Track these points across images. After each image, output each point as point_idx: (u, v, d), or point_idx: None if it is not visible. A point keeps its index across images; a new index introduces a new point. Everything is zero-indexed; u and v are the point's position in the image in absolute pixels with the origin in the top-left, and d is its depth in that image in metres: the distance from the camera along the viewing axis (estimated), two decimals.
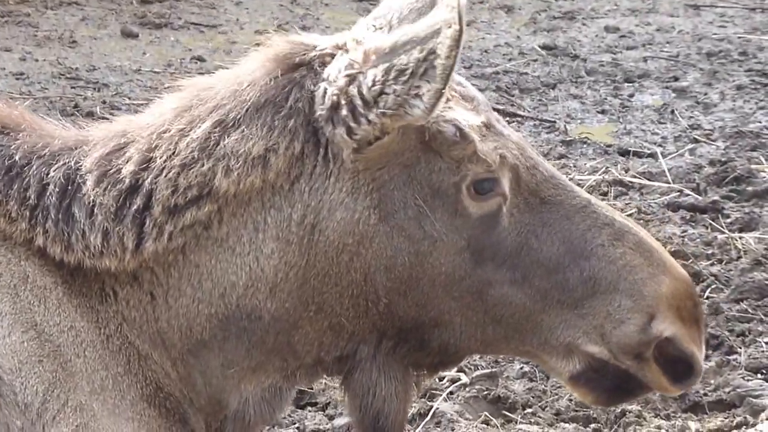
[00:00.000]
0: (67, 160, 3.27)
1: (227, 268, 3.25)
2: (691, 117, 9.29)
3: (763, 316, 6.13)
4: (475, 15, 11.20)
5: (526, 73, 10.15)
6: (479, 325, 3.34)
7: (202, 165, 3.22)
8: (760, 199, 7.53)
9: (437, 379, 5.49)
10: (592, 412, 5.36)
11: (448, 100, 3.27)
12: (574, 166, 8.11)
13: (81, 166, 3.26)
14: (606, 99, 9.71)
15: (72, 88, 9.27)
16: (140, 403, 3.22)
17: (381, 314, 3.30)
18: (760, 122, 9.13)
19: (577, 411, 5.40)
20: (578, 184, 7.44)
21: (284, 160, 3.23)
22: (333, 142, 3.24)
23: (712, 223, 7.18)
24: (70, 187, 3.24)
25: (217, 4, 11.42)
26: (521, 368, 5.66)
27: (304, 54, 3.29)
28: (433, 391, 5.47)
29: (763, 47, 10.80)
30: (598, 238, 3.31)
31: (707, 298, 6.28)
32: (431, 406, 5.36)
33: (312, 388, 5.42)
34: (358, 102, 3.19)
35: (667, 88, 9.91)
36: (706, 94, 9.75)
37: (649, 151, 8.54)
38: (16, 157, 3.26)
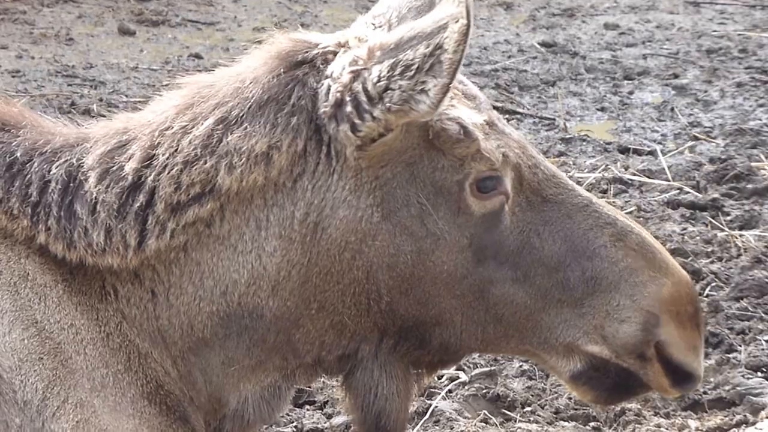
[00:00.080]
0: (68, 158, 3.26)
1: (229, 266, 3.25)
2: (691, 114, 9.29)
3: (763, 314, 6.12)
4: (474, 12, 11.17)
5: (526, 71, 10.14)
6: (480, 324, 3.34)
7: (205, 162, 3.22)
8: (760, 197, 7.53)
9: (436, 377, 5.48)
10: (591, 410, 5.35)
11: (451, 98, 3.27)
12: (574, 164, 8.10)
13: (83, 163, 3.25)
14: (605, 96, 9.70)
15: (69, 85, 9.27)
16: (141, 400, 3.22)
17: (383, 312, 3.30)
18: (760, 120, 9.13)
19: (576, 409, 5.38)
20: (578, 182, 7.40)
21: (287, 158, 3.23)
22: (336, 139, 3.23)
23: (712, 220, 7.17)
24: (72, 185, 3.24)
25: (215, 1, 11.41)
26: (520, 366, 5.65)
27: (307, 52, 3.29)
28: (432, 390, 5.46)
29: (763, 44, 10.80)
30: (600, 238, 3.32)
31: (707, 296, 6.28)
32: (430, 405, 5.35)
33: (310, 387, 5.40)
34: (363, 98, 3.19)
35: (666, 85, 9.91)
36: (706, 91, 9.74)
37: (648, 149, 8.53)
38: (18, 154, 3.25)
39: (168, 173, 3.22)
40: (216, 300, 3.26)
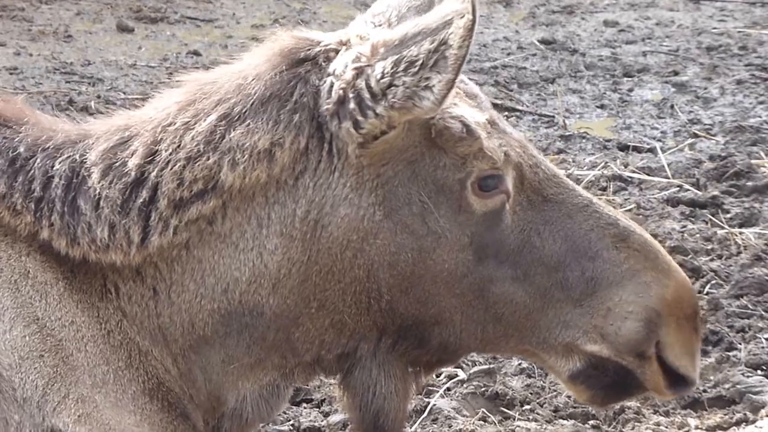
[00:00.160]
0: (71, 153, 3.26)
1: (230, 264, 3.25)
2: (691, 112, 9.28)
3: (763, 312, 6.11)
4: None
5: (525, 68, 10.14)
6: (479, 323, 3.35)
7: (208, 158, 3.22)
8: (760, 194, 7.52)
9: (434, 375, 5.46)
10: (590, 409, 5.33)
11: (453, 96, 3.27)
12: (573, 161, 8.10)
13: (86, 159, 3.25)
14: (605, 94, 9.70)
15: (67, 82, 9.26)
16: (142, 397, 3.23)
17: (382, 311, 3.30)
18: (760, 117, 9.12)
19: (575, 408, 5.38)
20: (577, 179, 7.43)
21: (289, 155, 3.23)
22: (338, 137, 3.24)
23: (712, 218, 7.16)
24: (75, 180, 3.24)
25: None
26: (519, 364, 5.64)
27: (309, 49, 3.29)
28: (431, 388, 5.46)
29: (763, 41, 10.79)
30: (603, 239, 3.33)
31: (707, 293, 6.27)
32: (428, 403, 5.34)
33: (307, 385, 5.38)
34: (366, 95, 3.19)
35: (666, 82, 9.90)
36: (705, 88, 9.73)
37: (648, 146, 8.52)
38: (21, 150, 3.26)
39: (171, 169, 3.23)
40: (217, 298, 3.26)
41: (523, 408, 5.37)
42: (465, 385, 5.50)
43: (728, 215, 7.20)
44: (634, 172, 7.89)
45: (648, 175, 7.86)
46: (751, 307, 6.16)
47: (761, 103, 9.44)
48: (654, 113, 9.28)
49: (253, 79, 3.27)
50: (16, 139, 3.27)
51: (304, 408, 5.38)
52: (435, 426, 5.25)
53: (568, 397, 5.40)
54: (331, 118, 3.23)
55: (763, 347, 5.83)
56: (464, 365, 5.61)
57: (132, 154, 3.25)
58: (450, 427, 5.23)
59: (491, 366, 5.62)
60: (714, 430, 5.28)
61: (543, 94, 9.64)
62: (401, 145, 3.26)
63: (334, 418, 5.25)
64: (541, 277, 3.32)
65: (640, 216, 7.09)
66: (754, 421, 5.27)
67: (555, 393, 5.46)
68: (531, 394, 5.46)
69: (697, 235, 6.92)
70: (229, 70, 3.36)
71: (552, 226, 3.33)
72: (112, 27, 10.49)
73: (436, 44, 3.14)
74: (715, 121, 9.06)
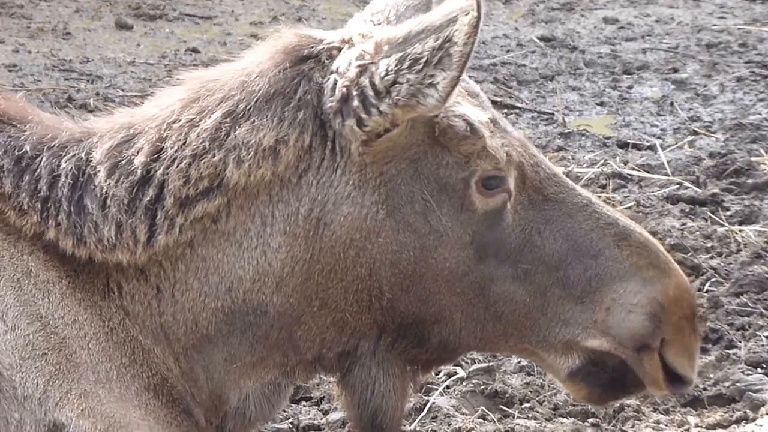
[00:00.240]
0: (76, 152, 3.26)
1: (234, 262, 3.26)
2: (691, 109, 9.27)
3: (763, 310, 6.11)
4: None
5: (524, 65, 10.12)
6: (479, 322, 3.36)
7: (214, 156, 3.23)
8: (760, 192, 7.52)
9: (434, 373, 5.45)
10: (590, 407, 5.32)
11: (456, 95, 3.27)
12: (573, 159, 8.09)
13: (91, 157, 3.25)
14: (605, 91, 9.69)
15: (65, 80, 9.25)
16: (146, 392, 3.24)
17: (383, 309, 3.31)
18: (760, 114, 9.11)
19: (575, 406, 5.37)
20: (577, 177, 7.42)
21: (294, 152, 3.24)
22: (341, 135, 3.25)
23: (712, 216, 7.15)
24: (81, 179, 3.24)
25: None
26: (519, 362, 5.64)
27: (312, 47, 3.30)
28: (430, 386, 5.45)
29: (763, 38, 10.78)
30: (604, 238, 3.35)
31: (707, 291, 6.27)
32: (427, 401, 5.34)
33: (306, 383, 5.37)
34: (370, 92, 3.20)
35: (666, 79, 9.89)
36: (705, 86, 9.72)
37: (648, 144, 8.52)
38: (27, 149, 3.25)
39: (177, 167, 3.23)
40: (221, 296, 3.27)
41: (523, 406, 5.37)
42: (464, 383, 5.49)
43: (728, 213, 7.19)
44: (633, 169, 7.88)
45: (647, 172, 7.85)
46: (751, 304, 6.16)
47: (761, 100, 9.44)
48: (654, 110, 9.27)
49: (257, 77, 3.27)
50: (22, 138, 3.27)
51: (304, 406, 5.38)
52: (434, 424, 5.25)
53: (568, 395, 5.39)
54: (334, 115, 3.24)
55: (763, 345, 5.82)
56: (463, 363, 5.61)
57: (137, 152, 3.24)
58: (449, 425, 5.22)
59: (490, 364, 5.61)
60: (714, 428, 5.27)
61: (542, 92, 9.63)
62: (404, 144, 3.27)
63: (333, 416, 5.25)
64: (542, 275, 3.34)
65: (640, 213, 7.09)
66: (754, 419, 5.27)
67: (554, 391, 5.45)
68: (530, 392, 5.46)
69: (697, 233, 6.92)
70: (231, 68, 3.36)
71: (552, 225, 3.34)
72: (110, 24, 10.47)
73: (441, 41, 3.14)
74: (715, 119, 9.05)
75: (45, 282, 3.19)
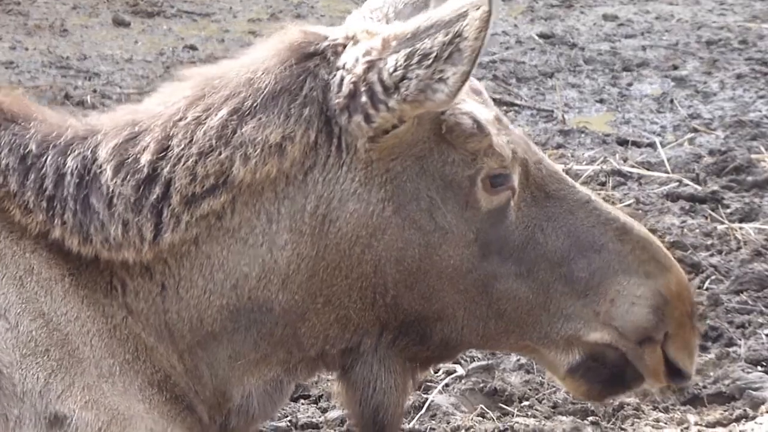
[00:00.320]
0: (81, 150, 3.26)
1: (239, 260, 3.26)
2: (691, 106, 9.27)
3: (763, 308, 6.10)
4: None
5: (524, 62, 10.13)
6: (482, 319, 3.37)
7: (220, 153, 3.23)
8: (760, 189, 7.52)
9: (432, 371, 5.45)
10: (589, 405, 5.32)
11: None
12: (572, 156, 8.09)
13: (97, 155, 3.25)
14: (604, 88, 9.69)
15: (63, 77, 9.25)
16: (149, 388, 3.24)
17: (387, 306, 3.32)
18: (760, 111, 9.12)
19: (574, 404, 5.37)
20: (576, 174, 7.41)
21: (300, 149, 3.24)
22: (347, 131, 3.25)
23: (712, 213, 7.15)
24: (87, 177, 3.24)
25: None
26: (518, 360, 5.64)
27: (318, 44, 3.31)
28: (429, 384, 5.45)
29: (763, 35, 10.78)
30: (606, 233, 3.37)
31: (707, 289, 6.27)
32: (426, 399, 5.34)
33: (307, 381, 5.36)
34: (378, 88, 3.21)
35: (666, 77, 9.89)
36: (705, 83, 9.72)
37: (647, 141, 8.52)
38: (32, 147, 3.25)
39: (183, 164, 3.23)
40: (226, 293, 3.27)
41: (522, 404, 5.37)
42: (463, 381, 5.49)
43: (728, 210, 7.19)
44: (633, 166, 7.87)
45: (647, 169, 7.84)
46: (751, 302, 6.15)
47: (761, 97, 9.44)
48: (653, 108, 9.27)
49: (262, 74, 3.27)
50: (27, 136, 3.26)
51: (302, 404, 5.38)
52: (433, 422, 5.24)
53: (567, 393, 5.38)
54: (341, 112, 3.24)
55: (763, 343, 5.82)
56: (462, 361, 5.60)
57: (143, 150, 3.24)
58: (448, 423, 5.22)
59: (490, 362, 5.61)
60: (714, 426, 5.27)
61: (542, 89, 9.63)
62: (410, 140, 3.28)
63: (332, 415, 5.25)
64: (545, 272, 3.35)
65: (640, 211, 7.08)
66: (753, 418, 5.27)
67: (553, 389, 5.45)
68: (529, 390, 5.45)
69: (697, 231, 6.91)
70: (235, 65, 3.36)
71: (555, 222, 3.36)
72: (108, 21, 10.47)
73: (451, 36, 3.15)
74: (715, 116, 9.05)
75: (47, 279, 3.19)
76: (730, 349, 5.75)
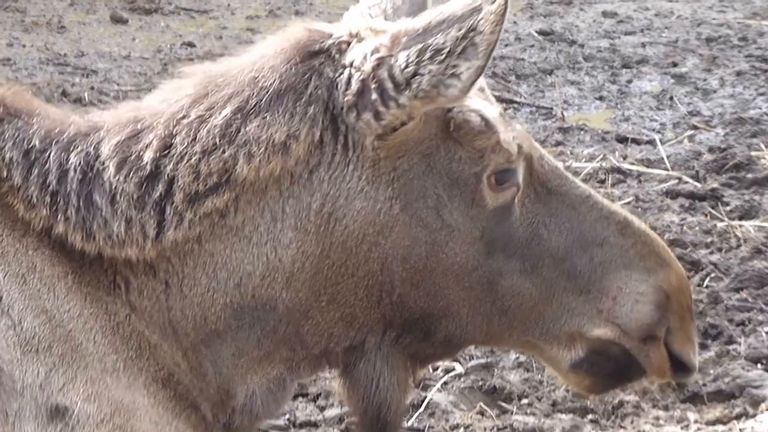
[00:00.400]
0: (84, 146, 3.26)
1: (243, 258, 3.26)
2: (690, 103, 9.27)
3: (763, 306, 6.10)
4: None
5: (523, 59, 10.12)
6: (486, 316, 3.38)
7: (224, 151, 3.23)
8: (760, 187, 7.51)
9: (431, 369, 5.44)
10: (589, 403, 5.31)
11: None
12: (571, 153, 8.09)
13: (100, 152, 3.25)
14: (604, 85, 9.69)
15: (60, 74, 9.25)
16: (153, 384, 3.25)
17: (393, 304, 3.33)
18: (760, 108, 9.12)
19: (573, 402, 5.36)
20: (575, 172, 7.39)
21: (304, 148, 3.24)
22: (354, 129, 3.25)
23: (712, 210, 7.14)
24: (90, 174, 3.24)
25: None
26: (517, 358, 5.63)
27: (322, 41, 3.30)
28: (428, 382, 5.44)
29: (763, 32, 10.78)
30: (608, 228, 3.39)
31: (706, 287, 6.26)
32: (425, 397, 5.33)
33: (309, 379, 5.35)
34: (389, 85, 3.20)
35: (665, 74, 9.90)
36: (705, 80, 9.72)
37: (647, 138, 8.51)
38: (35, 142, 3.24)
39: (186, 162, 3.22)
40: (230, 292, 3.27)
41: (521, 402, 5.36)
42: (462, 379, 5.48)
43: (728, 208, 7.18)
44: (632, 164, 7.87)
45: (647, 167, 7.84)
46: (750, 300, 6.15)
47: (761, 94, 9.44)
48: (653, 105, 9.27)
49: (267, 72, 3.27)
50: (30, 131, 3.25)
51: (300, 402, 5.37)
52: (432, 420, 5.24)
53: (567, 391, 5.38)
54: (348, 110, 3.24)
55: (763, 341, 5.81)
56: (461, 359, 5.60)
57: (146, 148, 3.24)
58: (447, 421, 5.21)
59: (489, 360, 5.60)
60: (713, 424, 5.26)
61: (541, 86, 9.62)
62: (417, 138, 3.28)
63: (330, 413, 5.24)
64: (549, 268, 3.36)
65: (639, 209, 7.07)
66: (753, 416, 5.27)
67: (553, 387, 5.44)
68: (529, 388, 5.44)
69: (697, 228, 6.90)
70: (239, 63, 3.35)
71: (557, 217, 3.38)
72: (105, 18, 10.46)
73: (465, 31, 3.14)
74: (715, 113, 9.05)
75: (50, 277, 3.19)
76: (730, 347, 5.75)
